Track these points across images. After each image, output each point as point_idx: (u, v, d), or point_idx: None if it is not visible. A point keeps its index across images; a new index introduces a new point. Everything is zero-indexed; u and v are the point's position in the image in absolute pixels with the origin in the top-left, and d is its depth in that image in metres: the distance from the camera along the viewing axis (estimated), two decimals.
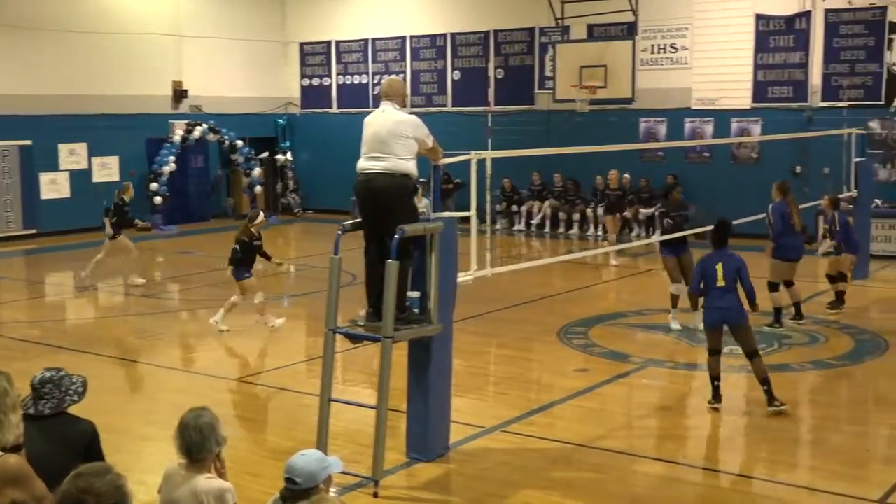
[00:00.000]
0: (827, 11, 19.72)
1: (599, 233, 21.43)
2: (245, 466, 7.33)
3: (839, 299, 13.14)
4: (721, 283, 8.79)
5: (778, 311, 12.15)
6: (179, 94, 24.39)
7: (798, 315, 12.30)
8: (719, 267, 8.83)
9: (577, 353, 11.17)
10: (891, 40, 19.18)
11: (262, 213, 12.75)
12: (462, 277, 8.09)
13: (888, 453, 8.12)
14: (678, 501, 7.09)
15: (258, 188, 24.97)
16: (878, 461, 7.92)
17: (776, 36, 20.30)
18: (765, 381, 8.79)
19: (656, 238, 11.92)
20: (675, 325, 12.04)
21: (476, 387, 9.98)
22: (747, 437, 8.53)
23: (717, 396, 8.95)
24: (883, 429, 8.80)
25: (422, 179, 8.00)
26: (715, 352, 8.99)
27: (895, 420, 8.98)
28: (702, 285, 9.03)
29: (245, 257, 12.23)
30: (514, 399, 9.50)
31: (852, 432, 8.57)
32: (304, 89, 27.10)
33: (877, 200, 17.76)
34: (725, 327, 8.95)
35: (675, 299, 12.06)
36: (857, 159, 16.29)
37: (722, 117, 20.91)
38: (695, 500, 7.08)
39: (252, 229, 12.30)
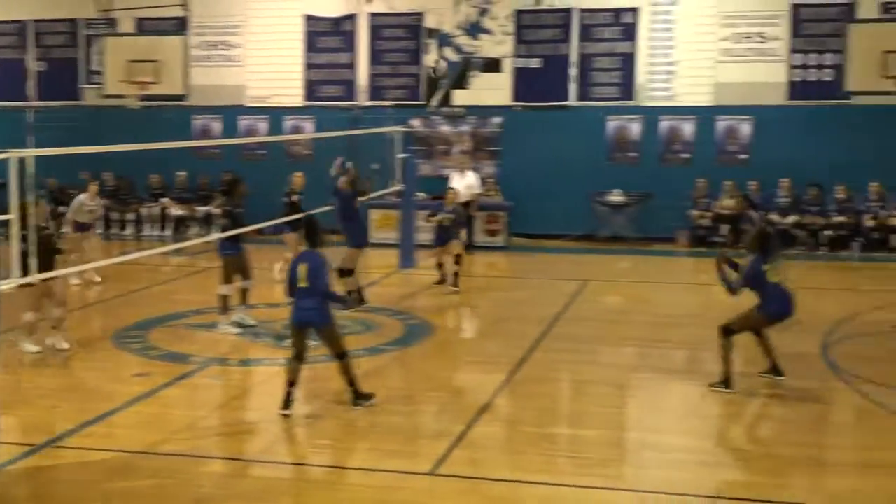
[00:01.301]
0: (371, 15, 20.78)
1: (166, 232, 20.86)
2: None
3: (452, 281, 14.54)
4: (303, 283, 8.59)
5: (360, 292, 13.00)
6: None
7: (361, 301, 12.98)
8: (302, 268, 8.63)
9: (135, 358, 10.79)
10: (428, 44, 20.63)
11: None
12: (3, 286, 7.49)
13: (436, 427, 8.71)
14: (244, 497, 7.09)
15: None
16: (428, 436, 8.47)
17: (325, 37, 21.03)
18: (351, 383, 8.85)
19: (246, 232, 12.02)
20: (231, 329, 11.94)
21: (23, 401, 9.25)
22: (308, 426, 8.73)
23: (288, 403, 8.68)
24: (431, 406, 9.46)
25: None
26: (298, 355, 8.75)
27: (442, 397, 9.68)
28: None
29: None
30: (67, 411, 8.96)
31: (404, 412, 9.10)
32: None
33: (421, 194, 19.01)
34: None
35: (226, 300, 12.07)
36: (402, 155, 17.32)
37: (276, 115, 21.29)
38: (260, 494, 7.12)
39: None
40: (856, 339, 11.59)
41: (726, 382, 9.36)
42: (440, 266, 14.82)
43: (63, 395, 9.58)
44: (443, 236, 14.83)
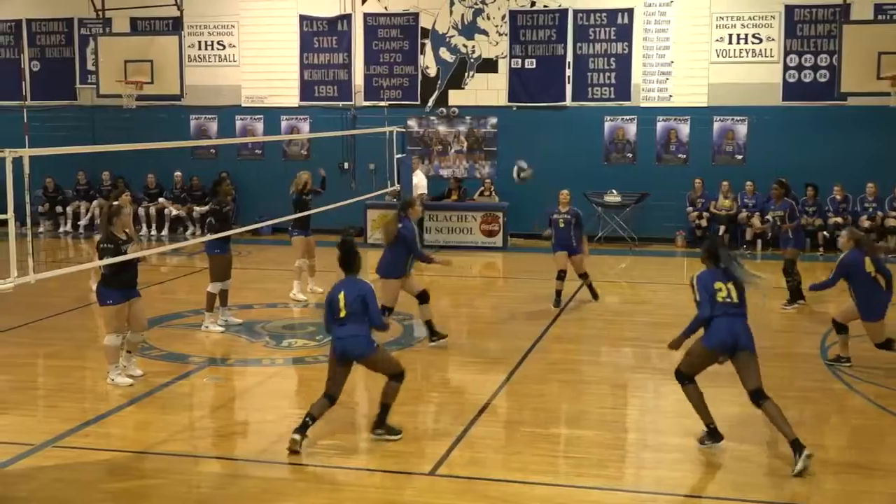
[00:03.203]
0: (365, 15, 20.77)
1: (154, 232, 20.87)
2: None
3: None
4: (343, 312, 7.95)
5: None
6: None
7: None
8: (341, 296, 7.97)
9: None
10: (423, 45, 20.62)
11: None
12: (1, 285, 7.46)
13: (436, 428, 8.70)
14: (243, 498, 7.08)
15: None
16: (428, 437, 8.45)
17: (320, 37, 21.01)
18: (387, 408, 8.18)
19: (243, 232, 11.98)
20: (214, 327, 12.02)
21: (22, 402, 9.27)
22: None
23: (304, 429, 7.91)
24: (430, 406, 9.44)
25: None
26: (331, 395, 7.99)
27: (441, 397, 9.68)
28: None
29: None
30: (66, 411, 8.94)
31: (404, 412, 9.03)
32: None
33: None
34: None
35: (213, 299, 12.11)
36: (399, 156, 17.32)
37: (272, 115, 21.27)
38: (258, 494, 7.12)
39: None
40: (855, 340, 11.59)
41: (712, 435, 8.05)
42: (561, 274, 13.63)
43: (63, 396, 9.57)
44: (561, 239, 13.74)
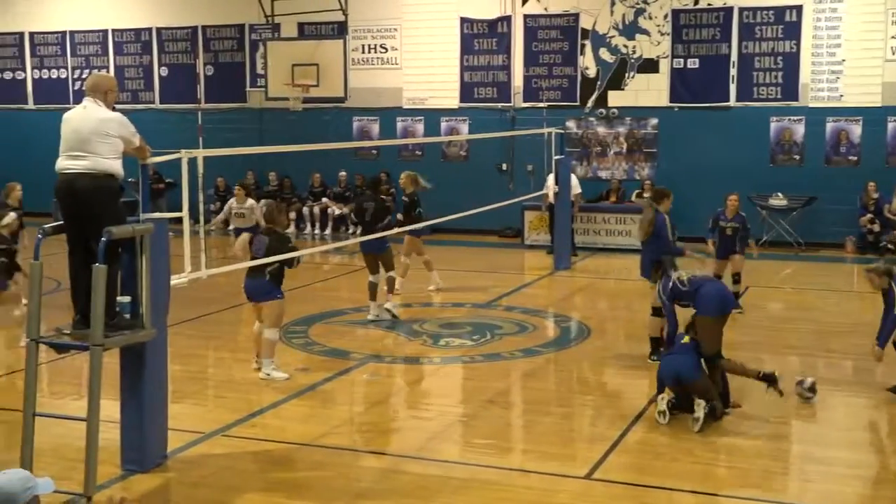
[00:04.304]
0: (525, 17, 20.78)
1: (317, 231, 21.49)
2: None
3: None
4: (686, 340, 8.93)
5: None
6: None
7: None
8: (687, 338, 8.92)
9: (297, 353, 11.11)
10: (583, 45, 20.48)
11: (12, 214, 11.86)
12: (176, 280, 7.83)
13: (592, 432, 8.65)
14: (400, 493, 7.20)
15: None
16: (584, 440, 8.42)
17: (480, 39, 21.15)
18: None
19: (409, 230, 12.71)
20: (385, 313, 12.43)
21: (194, 391, 9.71)
22: (464, 425, 8.81)
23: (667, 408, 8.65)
24: (587, 409, 9.38)
25: (130, 179, 7.64)
26: (669, 405, 8.73)
27: (597, 401, 9.60)
28: None
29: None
30: (234, 402, 9.32)
31: (560, 414, 9.06)
32: None
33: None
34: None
35: (374, 287, 12.50)
36: (557, 157, 17.25)
37: (432, 116, 21.54)
38: (414, 490, 7.22)
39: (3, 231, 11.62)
40: None
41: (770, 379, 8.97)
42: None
43: (230, 387, 9.96)
44: (726, 247, 13.31)
